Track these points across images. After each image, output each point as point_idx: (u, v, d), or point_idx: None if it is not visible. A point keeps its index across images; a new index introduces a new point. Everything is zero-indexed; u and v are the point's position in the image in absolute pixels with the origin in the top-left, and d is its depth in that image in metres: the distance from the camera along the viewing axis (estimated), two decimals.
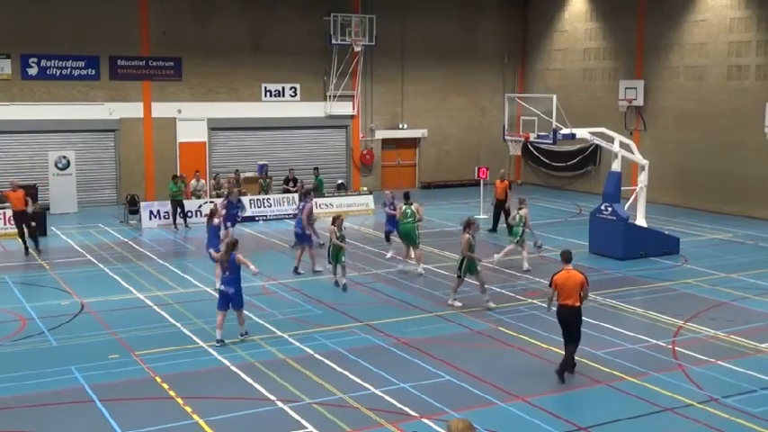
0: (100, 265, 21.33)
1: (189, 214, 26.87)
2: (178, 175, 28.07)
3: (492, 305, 17.02)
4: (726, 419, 11.52)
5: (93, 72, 30.43)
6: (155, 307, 17.22)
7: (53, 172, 28.92)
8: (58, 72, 29.92)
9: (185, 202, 26.94)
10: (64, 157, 29.10)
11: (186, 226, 26.40)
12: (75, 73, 30.20)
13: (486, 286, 17.19)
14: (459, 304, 17.17)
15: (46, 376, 13.05)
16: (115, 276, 20.01)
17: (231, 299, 14.73)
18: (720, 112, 29.65)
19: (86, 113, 30.35)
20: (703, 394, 12.42)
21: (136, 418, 11.42)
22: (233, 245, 14.92)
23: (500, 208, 25.77)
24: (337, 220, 18.82)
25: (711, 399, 12.23)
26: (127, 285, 19.06)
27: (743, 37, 29.04)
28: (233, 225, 22.73)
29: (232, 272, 14.72)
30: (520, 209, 21.11)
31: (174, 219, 26.47)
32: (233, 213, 22.99)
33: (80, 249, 23.17)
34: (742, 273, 20.35)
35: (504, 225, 24.78)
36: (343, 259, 18.72)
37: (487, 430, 10.71)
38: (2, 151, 29.74)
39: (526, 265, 20.45)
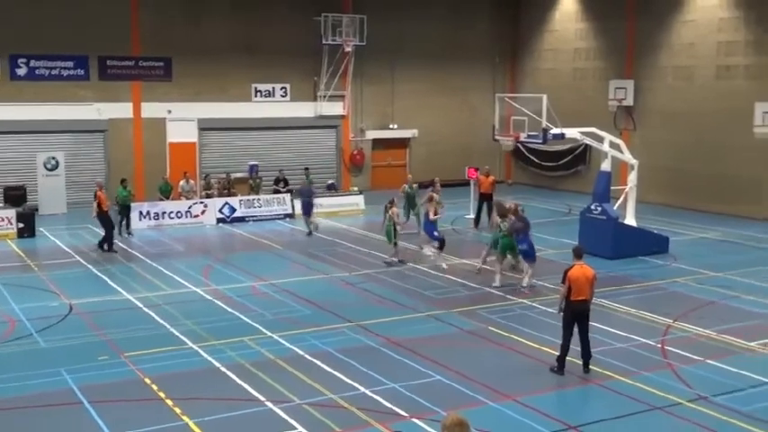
0: (88, 266, 21.24)
1: (168, 216, 26.82)
2: (125, 179, 26.43)
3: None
4: (715, 418, 11.54)
5: (83, 72, 30.31)
6: (144, 308, 17.15)
7: (42, 173, 28.79)
8: (47, 72, 29.78)
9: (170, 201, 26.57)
10: (53, 158, 28.97)
11: (129, 233, 25.28)
12: (65, 73, 30.05)
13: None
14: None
15: (35, 378, 12.98)
16: (104, 277, 19.93)
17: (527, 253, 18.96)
18: (709, 111, 29.71)
19: (76, 114, 30.22)
20: (693, 393, 12.44)
21: (125, 419, 11.36)
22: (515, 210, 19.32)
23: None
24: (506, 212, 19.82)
25: (701, 397, 12.26)
26: (116, 286, 18.98)
27: (732, 37, 29.13)
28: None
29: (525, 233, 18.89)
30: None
31: (121, 226, 25.09)
32: None
33: (69, 250, 23.06)
34: (731, 272, 20.39)
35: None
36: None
37: (479, 430, 10.69)
38: None
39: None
